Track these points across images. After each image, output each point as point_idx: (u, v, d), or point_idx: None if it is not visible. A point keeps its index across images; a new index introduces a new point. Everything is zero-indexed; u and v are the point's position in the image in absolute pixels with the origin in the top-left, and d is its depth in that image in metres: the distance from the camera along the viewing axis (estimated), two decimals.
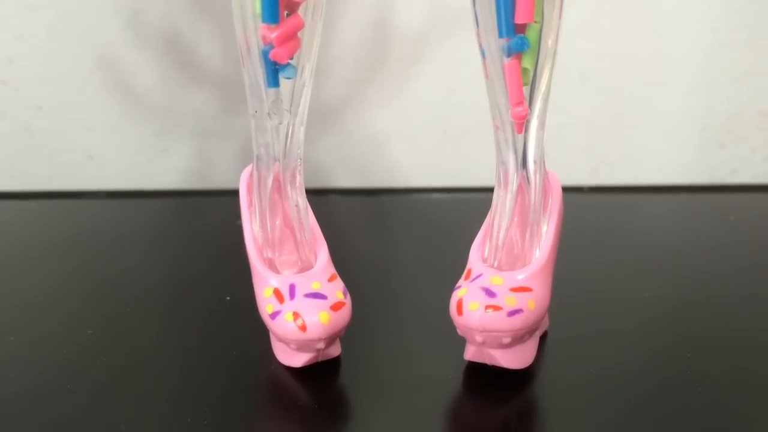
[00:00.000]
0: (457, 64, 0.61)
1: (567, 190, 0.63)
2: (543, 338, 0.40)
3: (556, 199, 0.38)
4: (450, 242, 0.47)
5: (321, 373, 0.37)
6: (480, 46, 0.35)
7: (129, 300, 0.45)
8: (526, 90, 0.35)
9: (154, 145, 0.63)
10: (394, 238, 0.56)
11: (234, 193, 0.61)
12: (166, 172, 0.63)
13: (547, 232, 0.37)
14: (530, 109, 0.35)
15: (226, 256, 0.49)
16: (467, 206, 0.59)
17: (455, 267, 0.38)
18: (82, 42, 0.60)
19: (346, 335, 0.38)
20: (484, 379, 0.37)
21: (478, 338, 0.35)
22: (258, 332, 0.39)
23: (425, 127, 0.63)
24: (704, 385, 0.37)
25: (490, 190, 0.58)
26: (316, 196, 0.61)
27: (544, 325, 0.40)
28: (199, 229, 0.56)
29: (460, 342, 0.37)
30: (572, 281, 0.46)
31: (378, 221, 0.60)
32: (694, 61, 0.62)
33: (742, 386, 0.37)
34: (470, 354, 0.37)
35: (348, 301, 0.37)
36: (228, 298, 0.44)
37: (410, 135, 0.64)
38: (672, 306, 0.44)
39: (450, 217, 0.57)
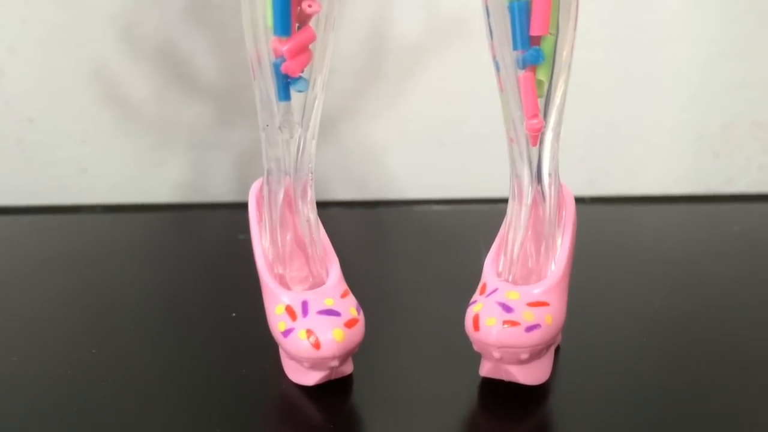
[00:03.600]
0: (454, 75, 0.61)
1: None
2: (556, 352, 0.40)
3: (570, 212, 0.38)
4: (450, 254, 0.47)
5: (333, 392, 0.36)
6: (494, 58, 0.35)
7: (130, 317, 0.44)
8: (541, 102, 0.35)
9: (148, 157, 0.62)
10: (394, 250, 0.56)
11: (230, 206, 0.61)
12: (161, 185, 0.63)
13: (562, 245, 0.37)
14: (545, 122, 0.35)
15: (226, 270, 0.49)
16: (466, 218, 0.59)
17: (458, 280, 0.38)
18: (75, 54, 0.59)
19: (358, 352, 0.37)
20: (498, 395, 0.37)
21: (496, 354, 0.34)
22: (267, 349, 0.38)
23: (422, 138, 0.63)
24: (718, 398, 0.37)
25: (489, 201, 0.58)
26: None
27: (558, 339, 0.40)
28: (197, 242, 0.55)
29: (473, 358, 0.37)
30: (577, 293, 0.45)
31: (377, 233, 0.60)
32: (689, 71, 0.62)
33: (755, 399, 0.37)
34: (486, 370, 0.36)
35: (361, 317, 0.36)
36: (234, 314, 0.43)
37: (407, 146, 0.63)
38: (679, 316, 0.44)
39: (449, 229, 0.57)
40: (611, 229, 0.58)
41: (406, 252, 0.55)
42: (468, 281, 0.38)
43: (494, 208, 0.52)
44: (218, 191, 0.62)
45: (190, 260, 0.52)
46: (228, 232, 0.54)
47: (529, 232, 0.37)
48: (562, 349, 0.40)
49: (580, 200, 0.63)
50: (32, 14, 0.58)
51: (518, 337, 0.34)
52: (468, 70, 0.60)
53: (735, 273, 0.49)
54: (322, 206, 0.61)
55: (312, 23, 0.34)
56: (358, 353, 0.37)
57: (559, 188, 0.37)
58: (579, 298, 0.44)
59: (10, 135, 0.60)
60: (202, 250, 0.54)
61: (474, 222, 0.55)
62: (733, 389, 0.37)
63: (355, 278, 0.46)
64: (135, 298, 0.46)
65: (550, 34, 0.34)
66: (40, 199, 0.62)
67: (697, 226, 0.60)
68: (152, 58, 0.59)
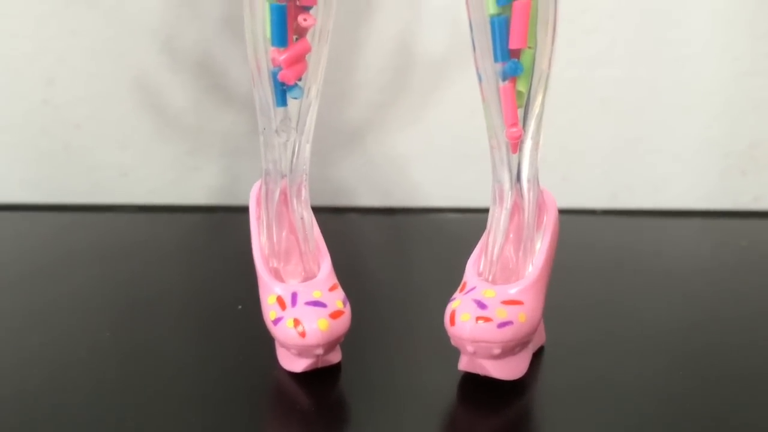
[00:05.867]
0: (478, 89, 0.62)
1: (583, 212, 0.64)
2: (539, 352, 0.41)
3: (551, 217, 0.39)
4: (459, 259, 0.49)
5: (321, 379, 0.39)
6: (477, 70, 0.37)
7: (146, 307, 0.47)
8: (520, 112, 0.37)
9: (185, 163, 0.65)
10: (407, 254, 0.58)
11: None
12: (196, 188, 0.66)
13: (541, 248, 0.39)
14: (524, 130, 0.37)
15: (246, 268, 0.52)
16: (480, 225, 0.61)
17: (457, 282, 0.40)
18: (119, 64, 0.63)
19: (348, 343, 0.39)
20: (479, 389, 0.38)
21: (470, 348, 0.36)
22: (265, 339, 0.41)
23: (446, 149, 0.65)
24: (698, 404, 0.38)
25: None
26: (337, 214, 0.64)
27: (540, 339, 0.41)
28: (223, 241, 0.59)
29: (458, 353, 0.38)
30: (577, 299, 0.47)
31: (394, 238, 0.62)
32: (715, 88, 0.62)
33: (736, 409, 0.38)
34: (463, 364, 0.38)
35: (347, 310, 0.38)
36: (240, 307, 0.46)
37: (432, 157, 0.65)
38: (674, 327, 0.45)
39: (462, 235, 0.58)
40: (630, 241, 0.59)
41: (418, 255, 0.57)
42: None
43: None
44: (248, 196, 0.65)
45: (216, 258, 0.56)
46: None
47: (510, 236, 0.39)
48: (547, 349, 0.42)
49: (591, 212, 0.64)
50: (81, 27, 0.62)
51: (490, 333, 0.35)
52: None
53: (745, 288, 0.50)
54: (346, 212, 0.65)
55: (308, 36, 0.37)
56: (348, 344, 0.39)
57: (540, 194, 0.39)
58: (577, 303, 0.46)
59: (58, 139, 0.64)
60: (229, 248, 0.57)
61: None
62: (715, 396, 0.38)
63: (365, 277, 0.49)
64: (154, 290, 0.50)
65: (529, 47, 0.36)
66: (82, 199, 0.66)
67: (718, 242, 0.60)
68: (190, 69, 0.63)
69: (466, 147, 0.64)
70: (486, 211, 0.40)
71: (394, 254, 0.58)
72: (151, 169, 0.66)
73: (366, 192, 0.66)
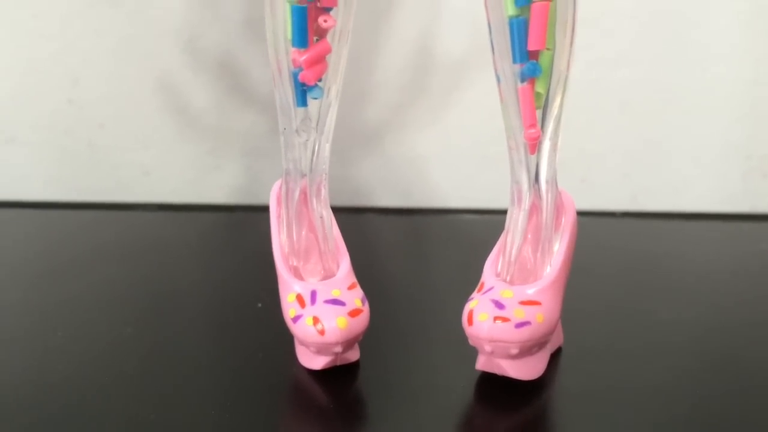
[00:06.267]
0: (497, 90, 0.62)
1: (603, 215, 0.64)
2: (557, 353, 0.41)
3: (569, 219, 0.40)
4: (477, 259, 0.49)
5: (339, 377, 0.39)
6: (495, 71, 0.37)
7: (167, 303, 0.48)
8: (538, 113, 0.37)
9: (206, 162, 0.66)
10: (424, 254, 0.58)
11: None
12: (217, 188, 0.67)
13: (559, 249, 0.39)
14: (543, 131, 0.37)
15: (265, 267, 0.52)
16: (497, 227, 0.61)
17: (475, 283, 0.40)
18: (142, 65, 0.64)
19: (366, 342, 0.40)
20: (496, 388, 0.38)
21: (487, 348, 0.36)
22: (284, 337, 0.41)
23: (464, 151, 0.65)
24: (714, 408, 0.38)
25: None
26: (355, 214, 0.64)
27: (558, 340, 0.41)
28: (244, 241, 0.59)
29: (476, 352, 0.39)
30: (596, 301, 0.47)
31: (412, 239, 0.62)
32: (737, 90, 0.62)
33: (752, 413, 0.37)
34: (481, 364, 0.38)
35: (366, 308, 0.39)
36: (259, 304, 0.46)
37: (450, 158, 0.65)
38: (693, 330, 0.45)
39: (480, 237, 0.59)
40: (649, 243, 0.59)
41: (436, 256, 0.58)
42: None
43: None
44: (269, 195, 0.66)
45: (236, 256, 0.56)
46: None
47: (528, 236, 0.39)
48: (565, 350, 0.42)
49: (610, 214, 0.64)
50: (105, 27, 0.63)
51: (508, 333, 0.36)
52: None
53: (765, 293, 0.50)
54: (364, 212, 0.65)
55: (328, 37, 0.38)
56: (366, 342, 0.40)
57: (558, 195, 0.39)
58: (596, 305, 0.46)
59: (82, 138, 0.65)
60: (245, 247, 0.58)
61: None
62: (731, 399, 0.38)
63: (383, 276, 0.49)
64: (175, 287, 0.50)
65: (547, 49, 0.36)
66: (105, 197, 0.67)
67: (738, 245, 0.60)
68: (212, 70, 0.64)
69: (484, 148, 0.65)
70: (503, 212, 0.40)
71: (412, 255, 0.58)
72: (172, 168, 0.66)
73: (384, 192, 0.66)
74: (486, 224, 0.62)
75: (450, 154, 0.65)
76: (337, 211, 0.43)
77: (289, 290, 0.39)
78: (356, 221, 0.63)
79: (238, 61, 0.63)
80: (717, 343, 0.43)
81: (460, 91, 0.64)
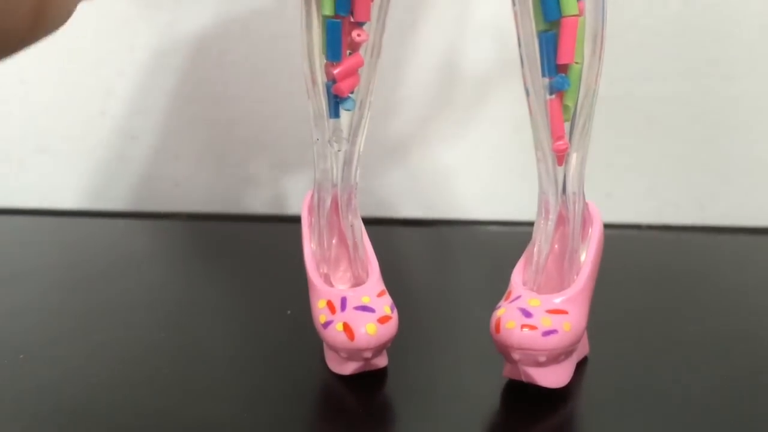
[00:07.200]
0: (522, 104, 0.63)
1: (627, 227, 0.64)
2: (583, 362, 0.42)
3: (596, 230, 0.40)
4: (502, 270, 0.50)
5: (368, 382, 0.40)
6: (525, 84, 0.38)
7: (200, 310, 0.49)
8: (566, 126, 0.38)
9: (236, 174, 0.67)
10: (450, 265, 0.59)
11: None
12: (247, 199, 0.68)
13: (585, 260, 0.39)
14: (570, 144, 0.38)
15: (294, 276, 0.53)
16: (522, 238, 0.62)
17: (504, 292, 0.41)
18: (174, 78, 0.65)
19: (394, 348, 0.40)
20: (522, 396, 0.39)
21: (515, 356, 0.37)
22: (313, 343, 0.42)
23: (489, 164, 0.66)
24: (743, 422, 0.38)
25: None
26: (381, 225, 0.65)
27: (584, 350, 0.42)
28: (274, 250, 0.60)
29: (501, 360, 0.39)
30: (622, 313, 0.47)
31: (437, 250, 0.63)
32: (763, 106, 0.63)
33: None
34: (507, 371, 0.39)
35: (395, 315, 0.39)
36: (289, 312, 0.47)
37: (475, 171, 0.66)
38: (718, 342, 0.45)
39: (504, 248, 0.59)
40: (677, 257, 0.59)
41: (461, 266, 0.58)
42: None
43: None
44: (298, 205, 0.67)
45: (262, 265, 0.57)
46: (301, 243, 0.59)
47: (555, 247, 0.39)
48: (591, 360, 0.42)
49: (636, 227, 0.65)
50: (139, 42, 0.64)
51: (536, 341, 0.36)
52: None
53: None
54: (389, 223, 0.66)
55: (361, 50, 0.39)
56: (394, 349, 0.40)
57: (585, 206, 0.39)
58: (622, 317, 0.47)
59: (114, 149, 0.67)
60: (275, 257, 0.59)
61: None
62: (757, 414, 0.38)
63: (409, 286, 0.50)
64: (206, 294, 0.51)
65: (576, 62, 0.36)
66: (136, 207, 0.68)
67: (765, 258, 0.60)
68: (241, 82, 0.65)
69: (509, 161, 0.65)
70: (527, 224, 0.40)
71: (438, 265, 0.59)
72: (202, 179, 0.68)
73: (409, 204, 0.67)
74: (510, 236, 0.62)
75: (474, 166, 0.66)
76: (362, 221, 0.44)
77: (320, 296, 0.40)
78: (382, 232, 0.63)
79: (267, 74, 0.65)
80: (745, 356, 0.43)
81: (485, 105, 0.65)
